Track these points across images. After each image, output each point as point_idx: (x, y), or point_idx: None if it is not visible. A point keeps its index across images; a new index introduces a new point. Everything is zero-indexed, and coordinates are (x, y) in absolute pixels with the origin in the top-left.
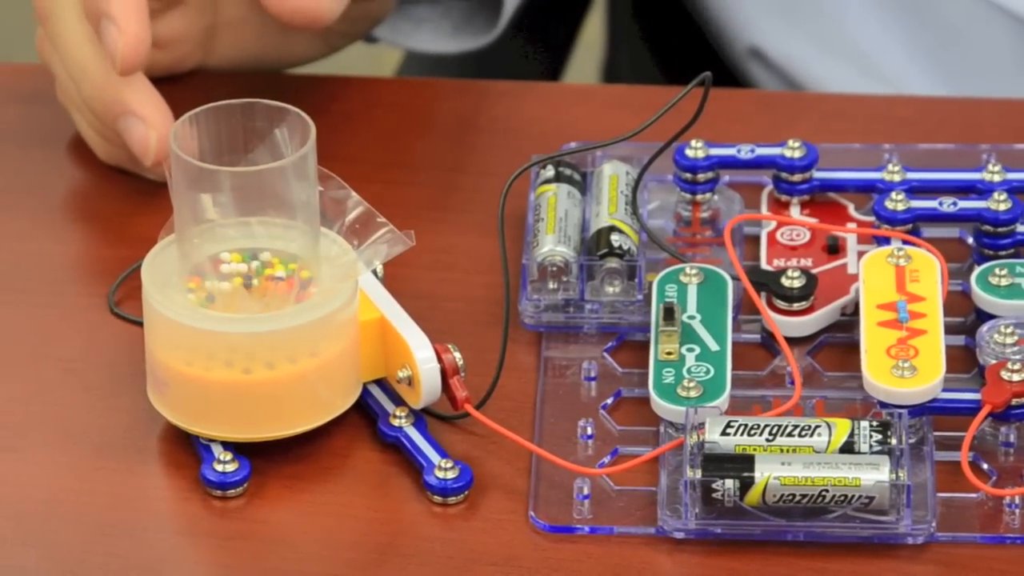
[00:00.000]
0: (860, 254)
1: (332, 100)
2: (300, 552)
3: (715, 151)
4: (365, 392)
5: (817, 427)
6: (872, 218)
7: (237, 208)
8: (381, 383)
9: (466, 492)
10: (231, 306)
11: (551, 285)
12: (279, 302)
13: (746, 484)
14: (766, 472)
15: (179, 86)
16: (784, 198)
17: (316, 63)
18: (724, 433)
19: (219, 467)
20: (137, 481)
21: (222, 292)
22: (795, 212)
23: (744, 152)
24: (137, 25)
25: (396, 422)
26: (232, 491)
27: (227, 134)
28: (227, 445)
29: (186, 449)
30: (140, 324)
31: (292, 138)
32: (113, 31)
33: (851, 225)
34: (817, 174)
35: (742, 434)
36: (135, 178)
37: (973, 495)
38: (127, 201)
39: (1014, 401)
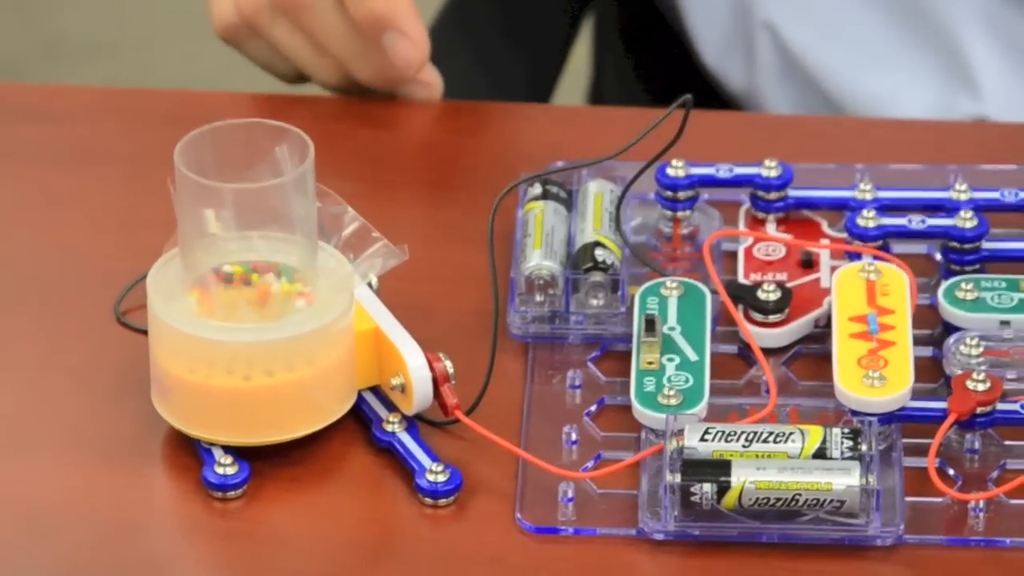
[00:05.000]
0: (833, 269)
1: (331, 120)
2: (297, 551)
3: (695, 170)
4: (360, 399)
5: (791, 434)
6: (844, 234)
7: (239, 222)
8: (375, 390)
9: (455, 495)
10: (232, 316)
11: (538, 298)
12: (278, 313)
13: (723, 488)
14: (742, 477)
15: (183, 104)
16: (760, 215)
17: (314, 86)
18: (702, 439)
19: (220, 470)
20: (142, 483)
21: (223, 303)
22: (771, 229)
23: (723, 171)
24: (423, 31)
25: (389, 427)
26: (232, 493)
27: (230, 152)
28: (228, 449)
29: (188, 453)
30: (145, 333)
31: (292, 156)
32: (405, 44)
33: (824, 241)
34: (792, 192)
35: (719, 440)
36: (141, 193)
37: (939, 499)
38: (133, 215)
39: (979, 410)
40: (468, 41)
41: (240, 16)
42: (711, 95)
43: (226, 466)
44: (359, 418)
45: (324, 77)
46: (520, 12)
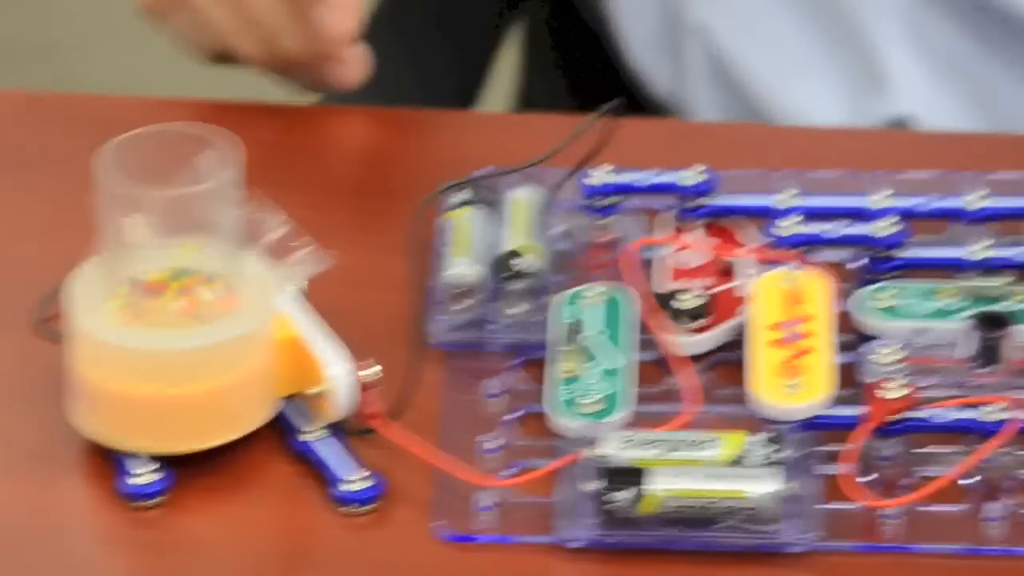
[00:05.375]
0: (753, 276)
1: (255, 127)
2: (215, 560)
3: (619, 177)
4: (281, 406)
5: (708, 441)
6: (766, 242)
7: (162, 229)
8: (296, 398)
9: (374, 503)
10: (154, 324)
11: (459, 305)
12: (201, 320)
13: (640, 496)
14: (659, 484)
15: (108, 109)
16: (683, 222)
17: (240, 91)
18: (622, 447)
19: (138, 479)
20: (56, 492)
21: (145, 310)
22: (694, 236)
23: (646, 178)
24: (356, 5)
25: (309, 436)
26: (151, 502)
27: (154, 158)
28: (147, 458)
29: (106, 462)
30: (63, 341)
31: (216, 163)
32: (336, 16)
33: (746, 248)
34: (715, 200)
35: (637, 448)
36: (62, 200)
37: (853, 506)
38: (54, 221)
39: (893, 417)
40: (397, 46)
41: None
42: (637, 100)
43: (145, 475)
44: (280, 426)
45: (247, 50)
46: (449, 17)
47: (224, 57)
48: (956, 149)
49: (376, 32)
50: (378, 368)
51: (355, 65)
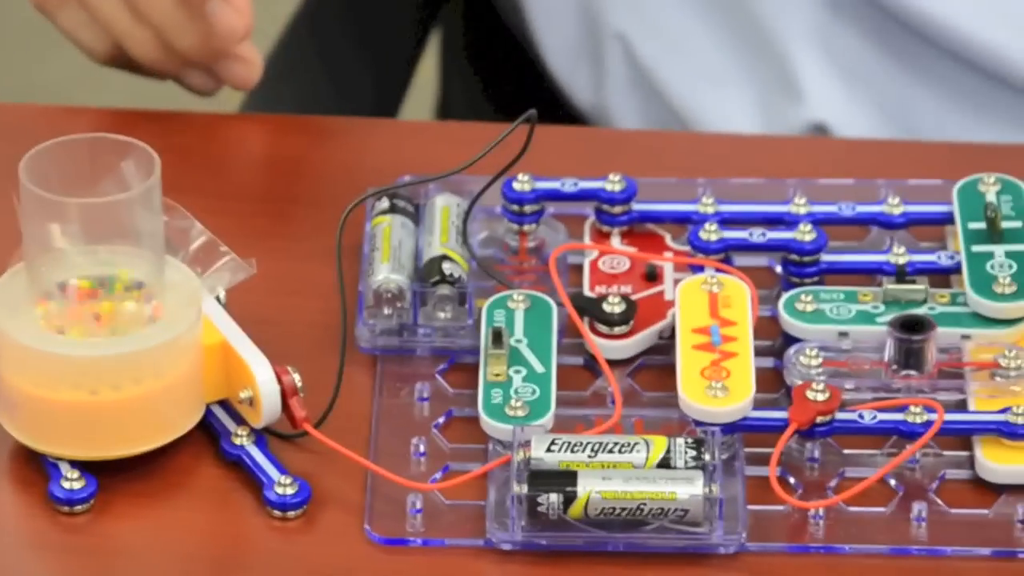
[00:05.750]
0: (676, 281)
1: (176, 135)
2: (144, 565)
3: (541, 184)
4: (208, 412)
5: (636, 444)
6: (687, 248)
7: (85, 237)
8: (224, 403)
9: (304, 507)
10: (79, 330)
11: (386, 311)
12: (125, 327)
13: (569, 498)
14: (588, 487)
15: (28, 118)
16: (605, 229)
17: (160, 100)
18: (549, 450)
19: (66, 484)
20: None
21: (70, 317)
22: (616, 242)
23: (568, 185)
24: (248, 2)
25: (238, 440)
26: (79, 507)
27: (76, 166)
28: (74, 463)
29: (34, 467)
30: None
31: (138, 171)
32: (228, 12)
33: (668, 254)
34: (636, 206)
35: (566, 451)
36: None
37: (780, 507)
38: None
39: (818, 419)
40: (316, 54)
41: None
42: (558, 108)
43: (73, 480)
44: (208, 431)
45: (139, 48)
46: (367, 26)
47: (118, 58)
48: (871, 156)
49: (292, 44)
50: (297, 376)
51: (250, 63)
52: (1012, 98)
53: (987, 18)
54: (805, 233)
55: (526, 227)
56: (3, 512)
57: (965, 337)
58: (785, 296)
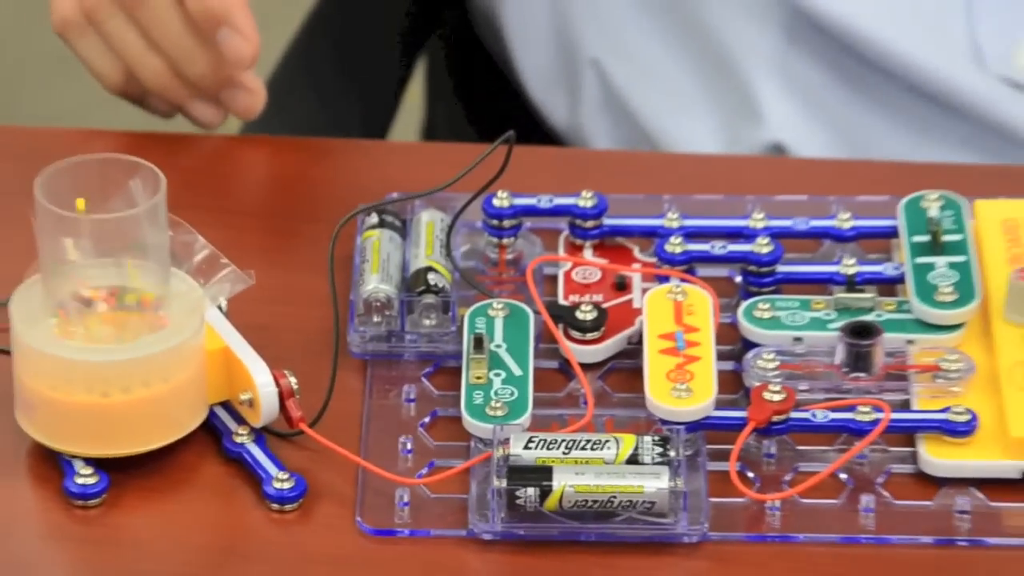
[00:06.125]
0: (644, 291)
1: (180, 156)
2: (153, 554)
3: (518, 201)
4: (211, 413)
5: (607, 441)
6: (654, 259)
7: (96, 250)
8: (225, 404)
9: (300, 501)
10: (91, 337)
11: (375, 318)
12: (134, 334)
13: (545, 492)
14: (562, 481)
15: (44, 140)
16: (578, 242)
17: (166, 126)
18: (526, 447)
19: (80, 480)
20: (6, 493)
21: (82, 325)
22: (588, 254)
23: (544, 202)
24: (255, 30)
25: (239, 439)
26: (92, 501)
27: (88, 185)
28: (88, 460)
29: (50, 464)
30: (8, 353)
31: (145, 189)
32: (238, 40)
33: (636, 265)
34: (607, 221)
35: (542, 448)
36: (3, 223)
37: (740, 500)
38: None
39: (775, 418)
40: (309, 84)
41: (80, 7)
42: (535, 130)
43: (86, 476)
44: (211, 431)
45: (151, 75)
46: (358, 57)
47: (130, 87)
48: (824, 175)
49: (288, 74)
50: (294, 379)
51: (255, 93)
52: (953, 121)
53: (931, 49)
54: (763, 246)
55: (505, 240)
56: (22, 505)
57: (909, 342)
58: (744, 304)
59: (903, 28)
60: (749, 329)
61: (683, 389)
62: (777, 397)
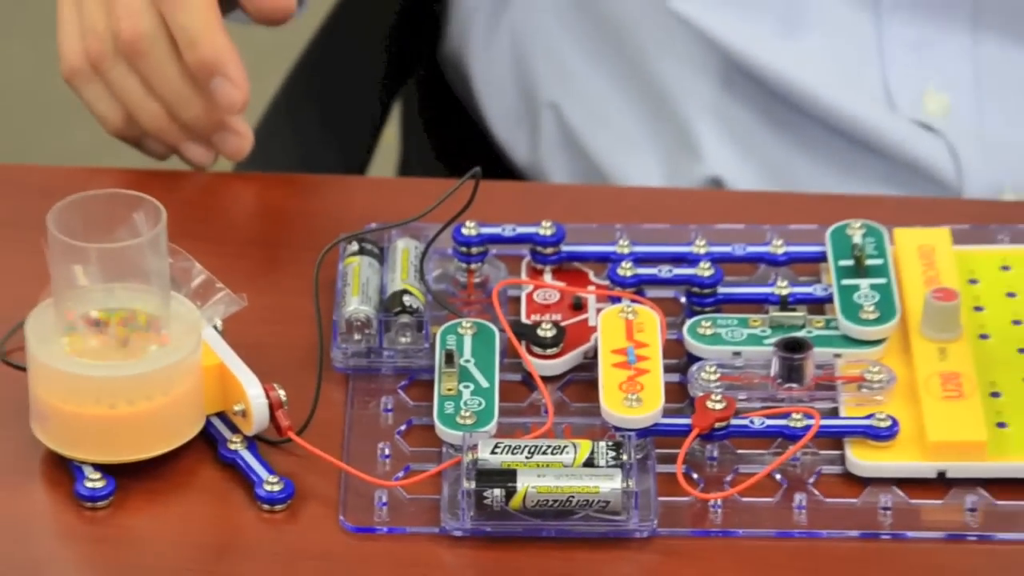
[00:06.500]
0: (598, 310)
1: (179, 190)
2: (155, 551)
3: (484, 230)
4: (208, 422)
5: (565, 447)
6: (607, 282)
7: (103, 276)
8: (221, 415)
9: (289, 502)
10: (98, 355)
11: (356, 336)
12: (137, 351)
13: (510, 492)
14: (525, 483)
15: (56, 177)
16: (539, 267)
17: (165, 163)
18: (493, 452)
19: (89, 484)
20: (23, 496)
21: (91, 344)
22: (548, 278)
23: (507, 231)
24: (246, 79)
25: (233, 446)
26: (100, 503)
27: (95, 217)
28: (96, 466)
29: (63, 470)
30: (25, 370)
31: (147, 220)
32: (229, 87)
33: (591, 288)
34: (564, 248)
35: (507, 453)
36: (20, 253)
37: (686, 499)
38: (13, 271)
39: (716, 425)
40: (295, 127)
41: (87, 57)
42: (500, 166)
43: (95, 481)
44: (207, 438)
45: (149, 119)
46: (338, 102)
47: (129, 130)
48: (759, 206)
49: (275, 119)
50: (282, 392)
51: (243, 136)
52: (872, 159)
53: (850, 95)
54: (704, 270)
55: (473, 266)
56: (37, 507)
57: (837, 356)
58: (688, 322)
59: (825, 77)
60: (693, 344)
61: (634, 399)
62: (718, 406)
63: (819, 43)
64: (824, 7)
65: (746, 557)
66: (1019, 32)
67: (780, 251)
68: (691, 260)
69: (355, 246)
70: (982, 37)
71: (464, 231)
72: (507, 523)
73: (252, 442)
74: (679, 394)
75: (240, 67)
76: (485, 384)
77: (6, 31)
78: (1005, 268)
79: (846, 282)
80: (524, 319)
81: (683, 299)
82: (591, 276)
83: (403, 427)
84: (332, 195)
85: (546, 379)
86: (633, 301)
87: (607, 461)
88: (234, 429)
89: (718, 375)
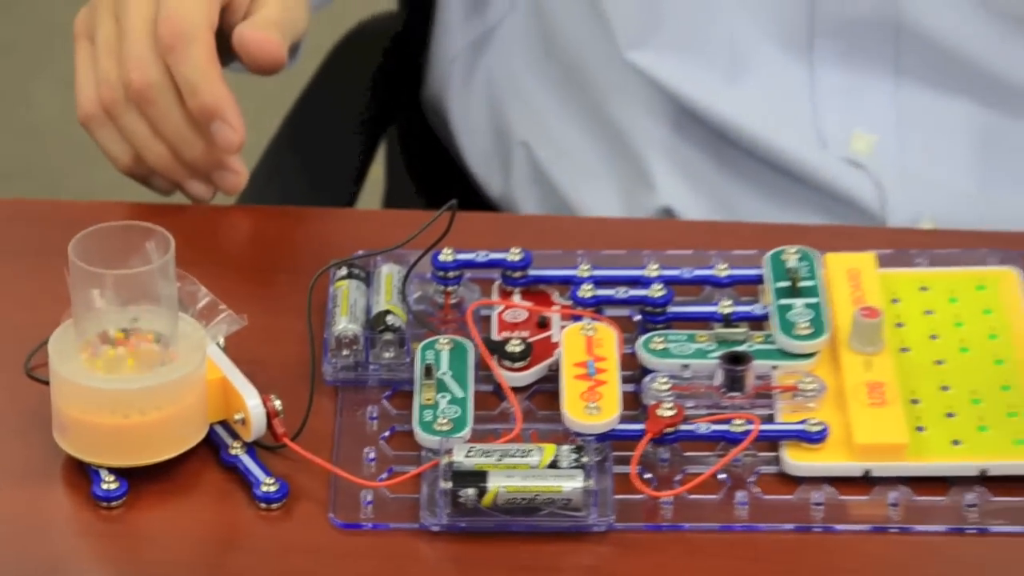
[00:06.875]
0: (562, 328)
1: (186, 222)
2: (165, 546)
3: (460, 256)
4: (211, 430)
5: (532, 450)
6: (570, 302)
7: (119, 299)
8: (223, 423)
9: (284, 501)
10: (114, 370)
11: (344, 352)
12: (149, 367)
13: (482, 492)
14: (496, 483)
15: (78, 212)
16: (509, 289)
17: (172, 199)
18: (467, 456)
19: (105, 485)
20: (45, 497)
21: (107, 360)
22: (516, 299)
23: (481, 256)
24: (242, 123)
25: (233, 451)
26: (115, 503)
27: (111, 246)
28: (111, 470)
29: (81, 473)
30: (47, 384)
31: (158, 249)
32: (227, 130)
33: (555, 307)
34: (532, 272)
35: (479, 456)
36: (45, 279)
37: (640, 496)
38: (39, 294)
39: (667, 430)
40: (291, 165)
41: (101, 104)
42: (475, 199)
43: (110, 483)
44: (211, 444)
45: (156, 158)
46: (329, 143)
47: (138, 168)
48: (705, 234)
49: (271, 161)
50: (278, 402)
51: (240, 174)
52: (806, 192)
53: (786, 136)
54: (656, 291)
55: (449, 288)
56: (58, 507)
57: (774, 367)
58: (642, 338)
59: (765, 120)
60: (646, 358)
61: (593, 407)
62: (669, 413)
63: (759, 90)
64: (763, 59)
65: (694, 548)
66: (936, 80)
67: (724, 274)
68: (644, 282)
69: (344, 271)
70: (903, 84)
71: (442, 257)
72: (480, 519)
73: (251, 447)
74: (634, 402)
75: (237, 112)
76: (460, 394)
77: (36, 78)
78: (923, 289)
79: (782, 302)
80: (495, 336)
81: (637, 317)
82: (555, 297)
83: (387, 433)
84: (323, 225)
85: (515, 389)
86: (593, 319)
87: (569, 463)
88: (235, 436)
89: (669, 385)
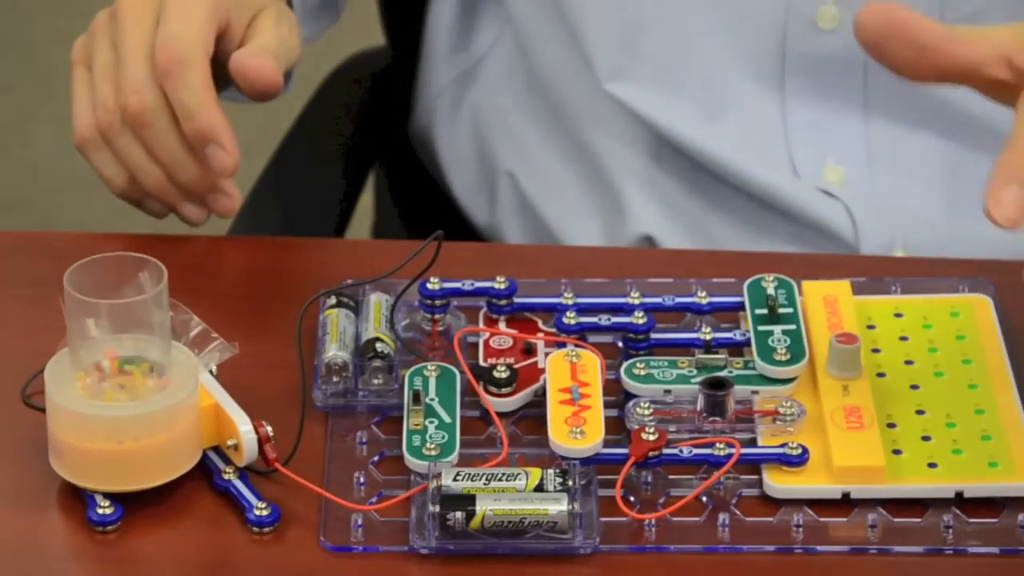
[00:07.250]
0: (546, 354)
1: (179, 252)
2: (160, 570)
3: (447, 285)
4: (204, 455)
5: (518, 474)
6: (554, 329)
7: (113, 328)
8: (216, 448)
9: (275, 525)
10: (108, 397)
11: (334, 379)
12: (143, 394)
13: (470, 515)
14: (484, 506)
15: (73, 243)
16: (494, 316)
17: (166, 229)
18: (455, 480)
19: (100, 510)
20: (41, 521)
21: (102, 387)
22: (502, 326)
23: (467, 285)
24: (236, 147)
25: (226, 476)
26: (110, 527)
27: (105, 276)
28: (106, 494)
29: (76, 498)
30: (44, 411)
31: (151, 279)
32: (222, 154)
33: (540, 335)
34: (517, 300)
35: (467, 480)
36: (41, 308)
37: (624, 519)
38: (35, 324)
39: (650, 454)
40: (281, 197)
41: (97, 128)
42: (461, 228)
43: (105, 507)
44: (204, 469)
45: (151, 181)
46: (319, 174)
47: (132, 191)
48: (686, 262)
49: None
50: (270, 428)
51: (233, 197)
52: (781, 222)
53: (761, 167)
54: (639, 318)
55: (436, 316)
56: (54, 532)
57: (754, 392)
58: (625, 364)
59: (740, 152)
60: (629, 383)
61: (578, 432)
62: (652, 437)
63: (735, 123)
64: (739, 94)
65: (677, 570)
66: (903, 115)
67: (704, 301)
68: (627, 310)
69: (333, 300)
70: (872, 118)
71: (429, 286)
72: (468, 542)
73: (243, 472)
74: (617, 427)
75: (232, 136)
76: (448, 419)
77: (34, 117)
78: (898, 315)
79: (761, 328)
80: (482, 362)
81: (620, 344)
82: (540, 324)
83: (376, 458)
84: (313, 255)
85: (501, 415)
86: (577, 346)
87: (555, 486)
88: (227, 461)
89: (651, 410)
